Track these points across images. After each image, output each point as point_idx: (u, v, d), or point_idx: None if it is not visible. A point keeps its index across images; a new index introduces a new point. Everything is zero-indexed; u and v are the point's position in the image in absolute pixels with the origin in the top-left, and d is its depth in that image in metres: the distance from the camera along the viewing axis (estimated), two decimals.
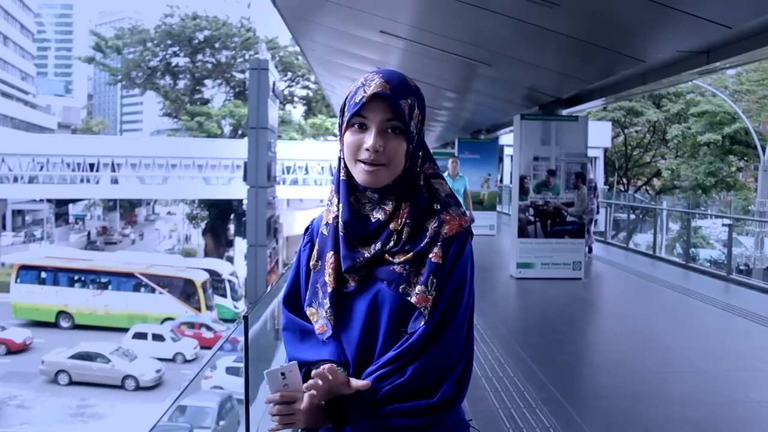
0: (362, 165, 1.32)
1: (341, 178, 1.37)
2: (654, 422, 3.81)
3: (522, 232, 8.51)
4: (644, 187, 32.19)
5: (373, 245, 1.33)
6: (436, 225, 1.33)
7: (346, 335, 1.35)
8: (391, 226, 1.33)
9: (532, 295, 7.88)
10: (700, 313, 7.01)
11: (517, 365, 4.79)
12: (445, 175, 7.18)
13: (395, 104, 1.31)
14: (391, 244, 1.32)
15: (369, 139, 1.31)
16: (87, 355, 21.21)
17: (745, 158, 26.67)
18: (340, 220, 1.36)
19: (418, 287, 1.30)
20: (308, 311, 1.40)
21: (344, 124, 1.35)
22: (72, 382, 20.86)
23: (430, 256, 1.31)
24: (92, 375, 20.86)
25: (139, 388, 20.75)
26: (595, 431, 3.61)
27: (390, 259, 1.32)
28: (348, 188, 1.36)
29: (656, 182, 31.93)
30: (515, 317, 7.09)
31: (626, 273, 9.79)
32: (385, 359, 1.30)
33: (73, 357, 21.17)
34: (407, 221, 1.33)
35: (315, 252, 1.41)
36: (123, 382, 20.80)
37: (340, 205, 1.36)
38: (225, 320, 25.99)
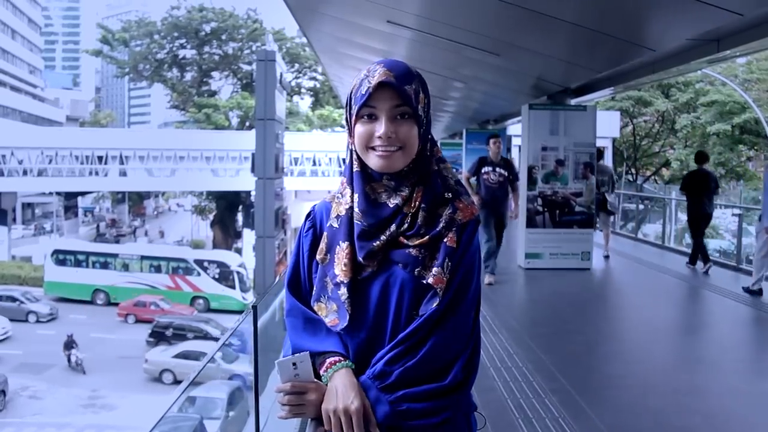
0: (376, 151, 1.34)
1: (355, 169, 1.38)
2: (663, 412, 3.81)
3: (530, 222, 8.49)
4: (653, 177, 31.97)
5: (388, 229, 1.34)
6: (450, 211, 1.36)
7: (357, 318, 1.35)
8: (405, 209, 1.35)
9: (540, 285, 7.86)
10: (708, 303, 6.99)
11: (526, 355, 4.79)
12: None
13: (401, 90, 1.32)
14: (405, 227, 1.34)
15: (380, 127, 1.33)
16: (191, 354, 21.10)
17: (756, 148, 26.40)
18: (356, 209, 1.37)
19: (435, 269, 1.32)
20: (316, 306, 1.40)
21: (353, 117, 1.36)
22: (177, 381, 20.66)
23: (445, 240, 1.34)
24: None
25: None
26: (604, 421, 3.61)
27: (405, 242, 1.34)
28: (363, 179, 1.37)
29: (665, 172, 31.69)
30: (524, 307, 7.09)
31: (635, 263, 9.74)
32: (397, 340, 1.31)
33: (177, 356, 21.23)
34: (422, 205, 1.35)
35: (323, 245, 1.41)
36: None
37: (355, 195, 1.37)
38: None
